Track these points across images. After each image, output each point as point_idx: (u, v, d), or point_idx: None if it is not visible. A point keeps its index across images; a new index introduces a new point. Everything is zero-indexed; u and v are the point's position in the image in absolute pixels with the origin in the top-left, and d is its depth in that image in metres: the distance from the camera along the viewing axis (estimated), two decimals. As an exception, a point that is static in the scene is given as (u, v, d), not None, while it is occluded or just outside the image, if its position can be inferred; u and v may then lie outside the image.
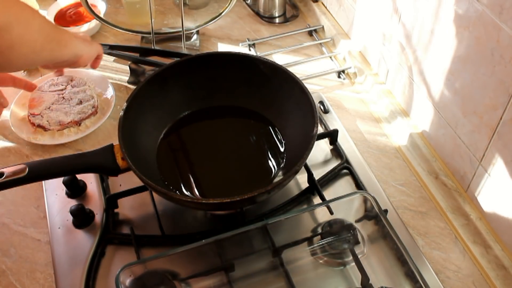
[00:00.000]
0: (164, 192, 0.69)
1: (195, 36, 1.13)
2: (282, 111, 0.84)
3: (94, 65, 0.84)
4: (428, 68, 0.83)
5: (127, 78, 1.05)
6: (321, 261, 0.73)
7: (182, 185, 0.78)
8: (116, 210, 0.80)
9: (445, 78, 0.79)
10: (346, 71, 1.07)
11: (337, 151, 0.88)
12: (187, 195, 0.77)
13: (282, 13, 1.21)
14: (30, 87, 0.91)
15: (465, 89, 0.75)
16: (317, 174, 0.82)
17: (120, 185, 0.83)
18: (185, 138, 0.85)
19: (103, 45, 1.02)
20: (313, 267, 0.73)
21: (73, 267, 0.73)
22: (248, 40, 1.13)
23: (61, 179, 0.81)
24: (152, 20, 1.05)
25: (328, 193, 0.81)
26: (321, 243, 0.74)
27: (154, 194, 0.78)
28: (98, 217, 0.79)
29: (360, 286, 0.70)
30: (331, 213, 0.73)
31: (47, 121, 0.93)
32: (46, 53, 0.66)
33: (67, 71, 0.93)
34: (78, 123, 0.93)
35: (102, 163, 0.73)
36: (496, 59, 0.66)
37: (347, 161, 0.85)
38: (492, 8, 0.65)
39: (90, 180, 0.84)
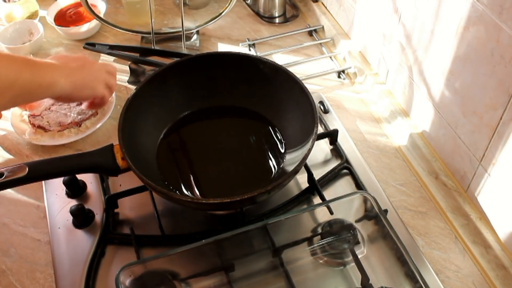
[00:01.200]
0: (164, 192, 0.69)
1: (195, 36, 1.13)
2: (282, 111, 0.84)
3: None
4: (428, 68, 0.83)
5: (127, 78, 1.05)
6: (321, 261, 0.73)
7: (182, 185, 0.78)
8: (116, 210, 0.80)
9: (445, 78, 0.79)
10: (346, 71, 1.07)
11: (337, 151, 0.88)
12: (187, 195, 0.77)
13: (282, 13, 1.21)
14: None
15: (465, 89, 0.75)
16: (317, 174, 0.82)
17: (120, 185, 0.83)
18: (185, 138, 0.85)
19: (103, 45, 1.03)
20: (313, 267, 0.73)
21: (73, 267, 0.73)
22: (248, 40, 1.13)
23: (61, 179, 0.81)
24: (152, 20, 1.06)
25: (328, 193, 0.81)
26: (321, 243, 0.74)
27: (154, 194, 0.78)
28: (98, 217, 0.79)
29: (360, 286, 0.70)
30: (331, 213, 0.73)
31: (47, 122, 0.93)
32: (13, 105, 0.63)
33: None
34: (78, 124, 0.93)
35: (102, 163, 0.73)
36: (496, 59, 0.66)
37: (347, 161, 0.85)
38: (492, 8, 0.65)
39: (90, 180, 0.84)
